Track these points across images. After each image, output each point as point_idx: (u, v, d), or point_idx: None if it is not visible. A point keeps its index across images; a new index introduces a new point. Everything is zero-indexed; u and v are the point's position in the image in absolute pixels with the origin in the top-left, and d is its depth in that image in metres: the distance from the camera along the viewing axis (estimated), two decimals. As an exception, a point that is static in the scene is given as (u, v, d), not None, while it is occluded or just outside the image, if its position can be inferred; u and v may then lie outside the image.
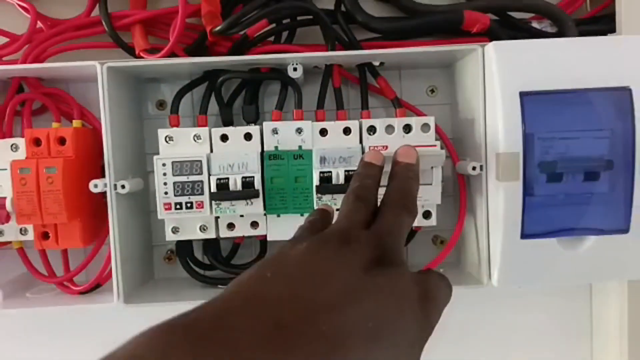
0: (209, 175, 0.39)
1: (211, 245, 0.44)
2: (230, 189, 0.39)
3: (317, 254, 0.22)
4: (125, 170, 0.42)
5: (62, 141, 0.41)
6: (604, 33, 0.44)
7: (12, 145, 0.41)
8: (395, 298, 0.22)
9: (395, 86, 0.46)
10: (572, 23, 0.43)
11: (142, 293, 0.43)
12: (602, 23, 0.45)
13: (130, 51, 0.44)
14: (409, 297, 0.23)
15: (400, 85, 0.47)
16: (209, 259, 0.44)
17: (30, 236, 0.42)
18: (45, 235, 0.41)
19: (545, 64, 0.38)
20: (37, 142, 0.41)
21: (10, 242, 0.43)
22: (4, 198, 0.40)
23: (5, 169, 0.40)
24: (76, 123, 0.43)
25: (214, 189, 0.39)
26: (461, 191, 0.43)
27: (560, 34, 0.44)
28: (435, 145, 0.40)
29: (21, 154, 0.41)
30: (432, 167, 0.40)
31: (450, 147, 0.44)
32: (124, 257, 0.41)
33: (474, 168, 0.40)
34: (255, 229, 0.42)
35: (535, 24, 0.45)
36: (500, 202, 0.39)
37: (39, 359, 0.49)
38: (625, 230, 0.39)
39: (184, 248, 0.44)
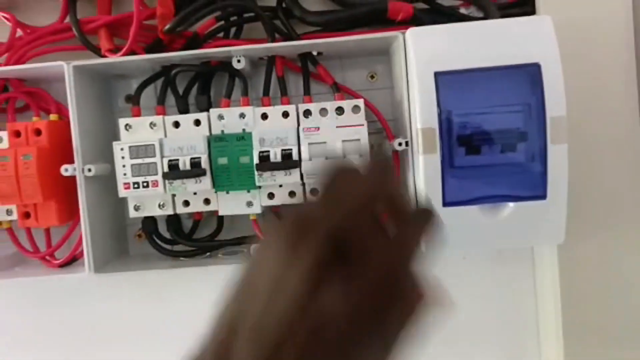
0: (162, 157, 0.45)
1: (173, 222, 0.50)
2: (180, 168, 0.44)
3: (268, 260, 0.20)
4: (95, 157, 0.47)
5: (38, 132, 0.47)
6: (527, 15, 0.47)
7: (-4, 138, 0.47)
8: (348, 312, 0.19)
9: (338, 74, 0.50)
10: (495, 7, 0.46)
11: (112, 265, 0.48)
12: (526, 5, 0.48)
13: (99, 52, 0.49)
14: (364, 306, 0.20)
15: (343, 73, 0.51)
16: (171, 235, 0.50)
17: (15, 216, 0.48)
18: (26, 215, 0.47)
19: (459, 45, 0.42)
20: (17, 134, 0.47)
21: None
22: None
23: (-10, 159, 0.46)
24: (53, 117, 0.49)
25: (166, 169, 0.44)
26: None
27: (485, 18, 0.47)
28: (362, 125, 0.44)
29: (5, 145, 0.47)
30: (360, 155, 0.44)
31: (386, 126, 0.48)
32: (94, 234, 0.46)
33: (400, 144, 0.44)
34: (208, 205, 0.47)
35: (462, 10, 0.48)
36: (421, 174, 0.42)
37: (27, 323, 0.55)
38: (542, 196, 0.42)
39: (149, 225, 0.49)
